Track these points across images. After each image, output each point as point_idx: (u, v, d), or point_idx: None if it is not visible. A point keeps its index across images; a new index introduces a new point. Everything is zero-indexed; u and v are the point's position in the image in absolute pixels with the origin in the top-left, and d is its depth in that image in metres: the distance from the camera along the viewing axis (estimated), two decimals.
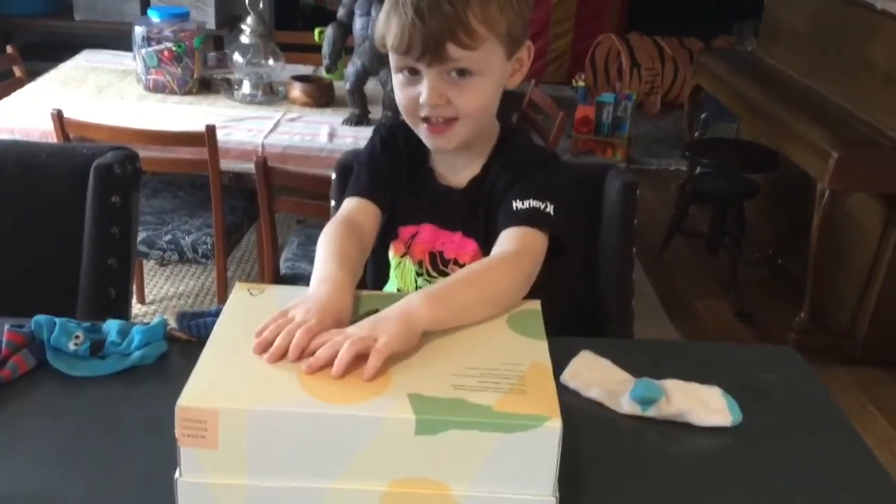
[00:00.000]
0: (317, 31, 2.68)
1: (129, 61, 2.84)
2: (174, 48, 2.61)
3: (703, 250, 3.52)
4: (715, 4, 5.60)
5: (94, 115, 2.28)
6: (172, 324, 1.10)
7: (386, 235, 1.23)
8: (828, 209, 2.63)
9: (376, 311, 0.88)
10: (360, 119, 2.48)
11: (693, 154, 3.43)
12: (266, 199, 2.14)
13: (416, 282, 1.22)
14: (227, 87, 2.72)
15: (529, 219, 1.08)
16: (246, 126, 2.41)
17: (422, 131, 1.13)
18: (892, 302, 2.71)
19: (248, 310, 0.90)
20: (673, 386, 1.02)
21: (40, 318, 1.04)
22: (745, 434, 1.00)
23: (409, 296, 0.91)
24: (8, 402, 0.97)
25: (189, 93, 2.67)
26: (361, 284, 1.05)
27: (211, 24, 4.01)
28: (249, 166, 2.17)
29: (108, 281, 1.43)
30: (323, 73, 2.69)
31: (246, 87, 2.67)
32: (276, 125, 2.44)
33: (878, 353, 2.79)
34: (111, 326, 1.07)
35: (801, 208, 2.99)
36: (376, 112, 2.52)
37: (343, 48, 2.53)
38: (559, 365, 1.03)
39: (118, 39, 3.38)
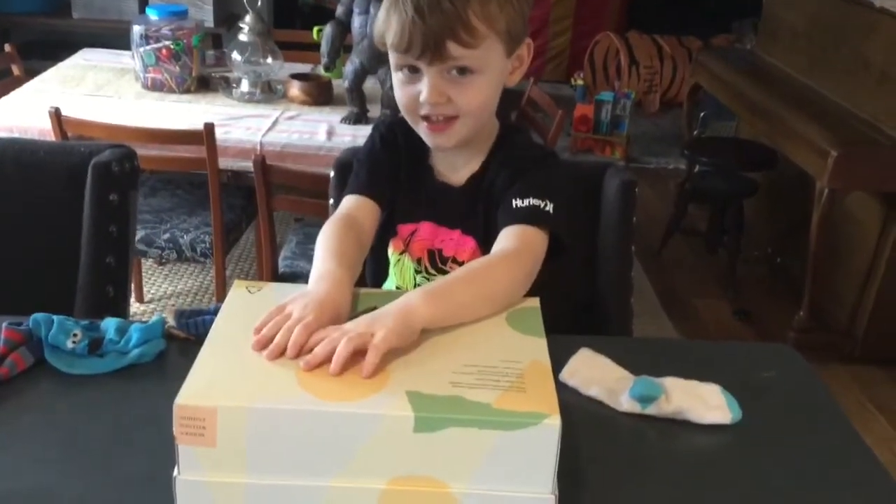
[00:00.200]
0: (315, 29, 2.67)
1: (127, 59, 2.84)
2: (172, 46, 2.60)
3: (702, 249, 3.52)
4: (714, 3, 5.59)
5: (92, 114, 2.28)
6: (171, 322, 1.10)
7: (385, 233, 1.23)
8: (827, 208, 2.63)
9: (375, 308, 0.88)
10: (358, 117, 2.47)
11: (692, 152, 3.43)
12: (264, 197, 2.14)
13: (414, 279, 1.22)
14: (225, 86, 2.71)
15: (529, 217, 1.08)
16: (244, 124, 2.41)
17: (422, 129, 1.13)
18: (892, 300, 2.72)
19: (246, 308, 0.90)
20: (672, 384, 1.02)
21: (38, 315, 1.04)
22: (744, 432, 1.00)
23: (408, 293, 0.91)
24: (6, 400, 0.97)
25: (187, 91, 2.66)
26: (360, 282, 1.05)
27: (209, 23, 4.01)
28: (248, 164, 2.17)
29: (107, 279, 1.43)
30: (321, 71, 2.69)
31: (244, 86, 2.66)
32: (275, 123, 2.44)
33: (878, 352, 2.80)
34: (109, 324, 1.07)
35: (800, 207, 2.99)
36: (375, 110, 2.52)
37: (342, 46, 2.53)
38: (558, 363, 1.03)
39: (116, 38, 3.38)
